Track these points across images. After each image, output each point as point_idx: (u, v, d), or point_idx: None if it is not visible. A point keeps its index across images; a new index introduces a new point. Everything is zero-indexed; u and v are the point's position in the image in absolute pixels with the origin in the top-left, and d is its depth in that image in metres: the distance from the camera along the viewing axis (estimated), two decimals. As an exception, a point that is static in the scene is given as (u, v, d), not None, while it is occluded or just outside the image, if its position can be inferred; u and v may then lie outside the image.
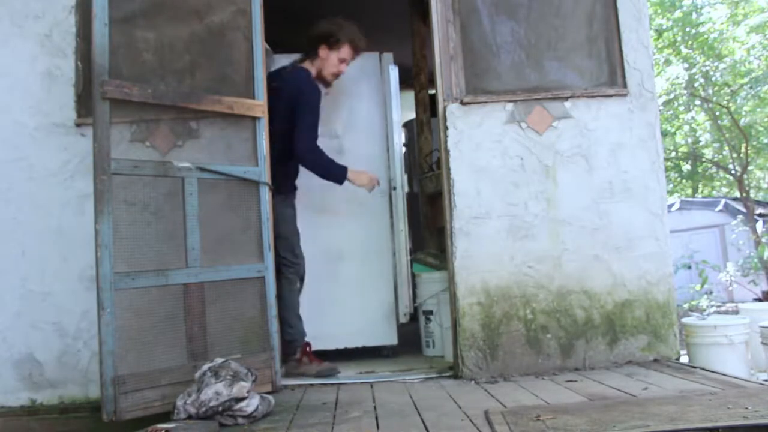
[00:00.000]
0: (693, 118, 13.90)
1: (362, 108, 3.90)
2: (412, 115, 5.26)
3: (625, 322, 3.14)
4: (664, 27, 12.69)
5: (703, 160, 14.16)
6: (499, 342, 3.05)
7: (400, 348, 3.78)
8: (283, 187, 3.29)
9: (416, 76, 4.89)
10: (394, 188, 3.82)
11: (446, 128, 3.17)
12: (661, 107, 12.16)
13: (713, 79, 12.15)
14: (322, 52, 3.35)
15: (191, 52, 2.95)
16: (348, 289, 3.73)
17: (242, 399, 2.33)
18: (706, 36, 12.08)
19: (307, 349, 3.25)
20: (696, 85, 12.63)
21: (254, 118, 2.98)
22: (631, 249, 3.18)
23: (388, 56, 3.93)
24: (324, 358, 3.32)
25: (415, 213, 4.77)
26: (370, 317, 3.72)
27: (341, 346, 3.68)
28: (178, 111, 2.85)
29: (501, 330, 3.06)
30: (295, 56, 3.51)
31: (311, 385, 3.02)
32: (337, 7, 3.51)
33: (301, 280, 3.44)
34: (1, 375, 3.00)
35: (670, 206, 11.06)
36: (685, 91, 12.80)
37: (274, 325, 2.93)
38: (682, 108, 13.58)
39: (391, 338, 3.74)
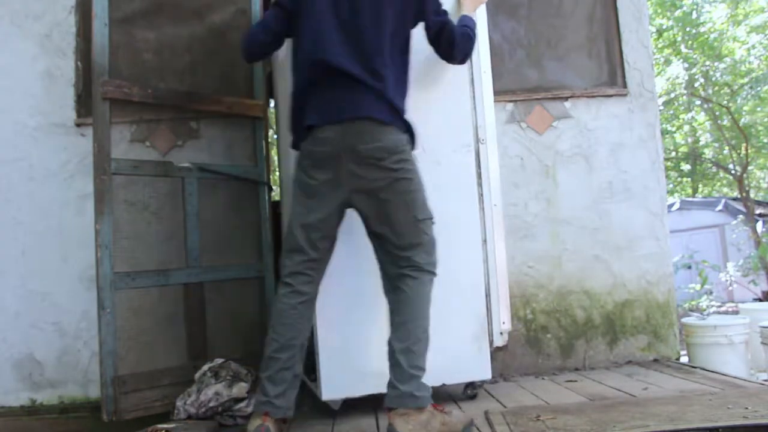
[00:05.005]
0: (693, 118, 13.91)
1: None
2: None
3: (625, 322, 3.14)
4: (664, 27, 12.69)
5: (703, 160, 14.16)
6: (499, 342, 3.04)
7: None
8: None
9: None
10: (482, 141, 2.60)
11: (446, 128, 3.14)
12: (661, 107, 12.17)
13: (713, 79, 12.16)
14: None
15: (191, 52, 2.95)
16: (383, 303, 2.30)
17: (242, 399, 2.33)
18: (706, 36, 12.09)
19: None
20: (696, 85, 12.65)
21: (254, 118, 2.98)
22: (631, 249, 3.18)
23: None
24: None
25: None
26: (448, 341, 2.33)
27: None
28: (178, 111, 2.85)
29: (501, 330, 3.05)
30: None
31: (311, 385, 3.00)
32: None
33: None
34: (1, 375, 3.00)
35: (670, 206, 11.07)
36: (685, 91, 12.80)
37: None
38: (682, 108, 13.59)
39: (481, 370, 2.44)
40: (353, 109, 1.99)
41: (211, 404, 2.29)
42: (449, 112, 2.49)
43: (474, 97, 2.58)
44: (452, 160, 2.47)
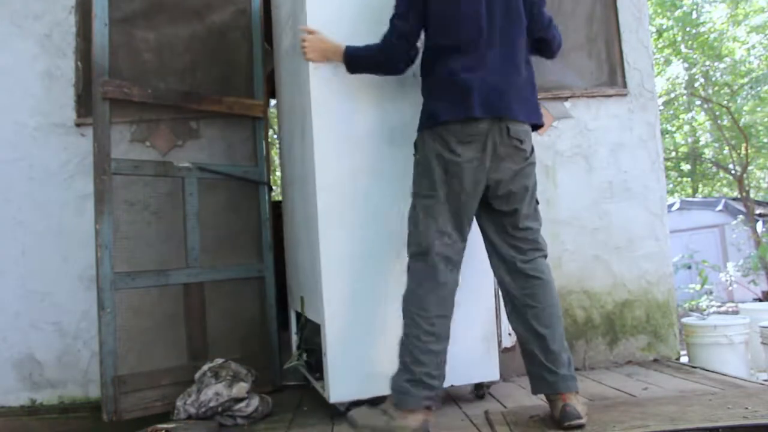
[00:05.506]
0: (693, 118, 13.91)
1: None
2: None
3: (625, 322, 3.14)
4: (664, 27, 12.70)
5: (703, 160, 14.16)
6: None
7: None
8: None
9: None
10: None
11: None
12: (661, 107, 12.17)
13: (713, 79, 12.16)
14: None
15: (191, 52, 2.95)
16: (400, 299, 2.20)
17: (242, 399, 2.33)
18: (706, 36, 12.09)
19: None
20: (696, 85, 12.65)
21: (254, 118, 2.98)
22: (631, 249, 3.18)
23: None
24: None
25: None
26: (457, 341, 2.19)
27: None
28: (178, 111, 2.85)
29: (501, 330, 3.04)
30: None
31: (311, 386, 3.01)
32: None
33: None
34: (1, 375, 3.00)
35: (670, 206, 11.07)
36: (685, 91, 12.81)
37: (274, 325, 2.93)
38: (682, 108, 13.59)
39: (490, 371, 2.41)
40: None
41: (211, 404, 2.29)
42: None
43: None
44: None
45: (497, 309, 2.46)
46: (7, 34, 3.15)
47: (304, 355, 2.63)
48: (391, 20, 2.07)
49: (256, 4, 3.05)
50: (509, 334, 2.57)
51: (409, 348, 1.91)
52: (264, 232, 2.95)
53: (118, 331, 2.44)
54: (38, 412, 2.96)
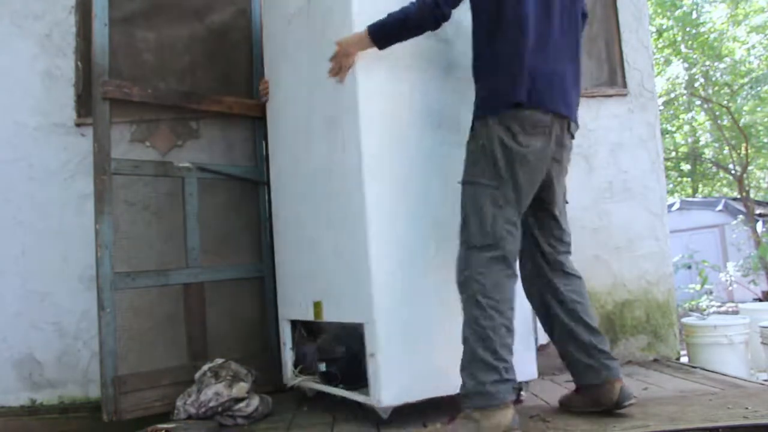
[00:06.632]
0: (693, 118, 13.91)
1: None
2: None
3: (625, 322, 3.14)
4: (664, 27, 12.70)
5: (703, 160, 14.16)
6: (499, 342, 3.03)
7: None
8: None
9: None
10: None
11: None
12: (661, 107, 12.17)
13: (713, 79, 12.16)
14: None
15: (191, 52, 2.95)
16: (442, 294, 2.12)
17: (242, 399, 2.33)
18: (706, 36, 12.09)
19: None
20: (696, 85, 12.65)
21: (254, 118, 2.98)
22: (631, 249, 3.18)
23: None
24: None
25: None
26: None
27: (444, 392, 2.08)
28: (178, 111, 2.85)
29: (501, 330, 3.04)
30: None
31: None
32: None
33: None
34: (1, 375, 3.00)
35: (670, 206, 11.06)
36: (685, 91, 12.80)
37: (274, 325, 2.92)
38: (682, 108, 13.59)
39: (529, 369, 2.35)
40: None
41: (211, 404, 2.29)
42: None
43: None
44: None
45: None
46: (7, 34, 3.15)
47: (323, 365, 2.43)
48: None
49: (256, 4, 3.05)
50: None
51: (487, 344, 1.82)
52: (264, 232, 2.95)
53: (118, 331, 2.44)
54: (38, 412, 2.96)
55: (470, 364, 1.84)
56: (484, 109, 1.96)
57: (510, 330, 1.88)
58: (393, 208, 2.10)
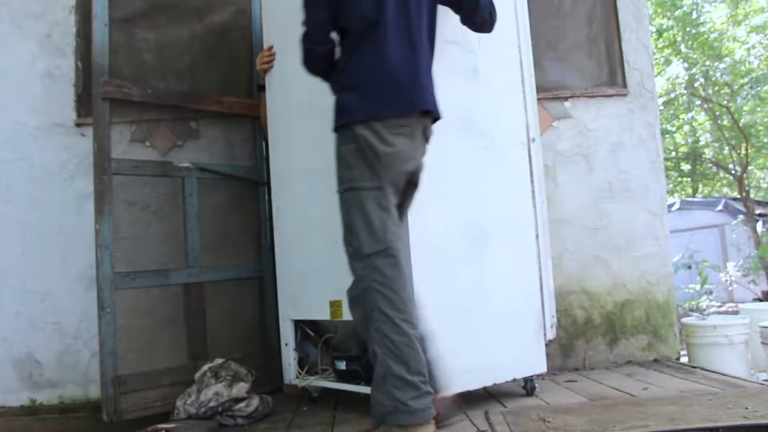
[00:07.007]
0: (693, 118, 13.91)
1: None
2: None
3: (625, 322, 3.14)
4: (664, 27, 12.69)
5: (703, 160, 14.17)
6: (499, 342, 3.03)
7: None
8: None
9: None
10: (533, 140, 2.60)
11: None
12: (661, 107, 12.17)
13: (713, 79, 12.16)
14: None
15: (191, 52, 2.95)
16: (472, 290, 2.24)
17: (242, 399, 2.33)
18: (706, 36, 12.08)
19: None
20: (696, 85, 12.64)
21: (254, 118, 2.98)
22: (631, 249, 3.18)
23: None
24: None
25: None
26: (513, 336, 2.35)
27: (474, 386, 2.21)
28: (178, 111, 2.86)
29: (501, 330, 3.04)
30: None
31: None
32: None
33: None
34: (1, 375, 3.00)
35: (670, 206, 11.06)
36: (685, 91, 12.80)
37: (274, 325, 2.92)
38: (682, 108, 13.58)
39: (539, 364, 2.42)
40: None
41: (211, 404, 2.29)
42: (508, 108, 2.53)
43: (525, 96, 2.60)
44: (512, 155, 2.50)
45: (542, 302, 2.51)
46: (7, 34, 3.15)
47: (342, 363, 2.36)
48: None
49: (256, 4, 3.05)
50: (551, 327, 2.58)
51: (400, 358, 1.72)
52: (264, 232, 2.95)
53: (118, 331, 2.44)
54: (38, 412, 2.96)
55: (384, 381, 1.73)
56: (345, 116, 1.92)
57: (418, 337, 1.78)
58: (426, 205, 2.11)
